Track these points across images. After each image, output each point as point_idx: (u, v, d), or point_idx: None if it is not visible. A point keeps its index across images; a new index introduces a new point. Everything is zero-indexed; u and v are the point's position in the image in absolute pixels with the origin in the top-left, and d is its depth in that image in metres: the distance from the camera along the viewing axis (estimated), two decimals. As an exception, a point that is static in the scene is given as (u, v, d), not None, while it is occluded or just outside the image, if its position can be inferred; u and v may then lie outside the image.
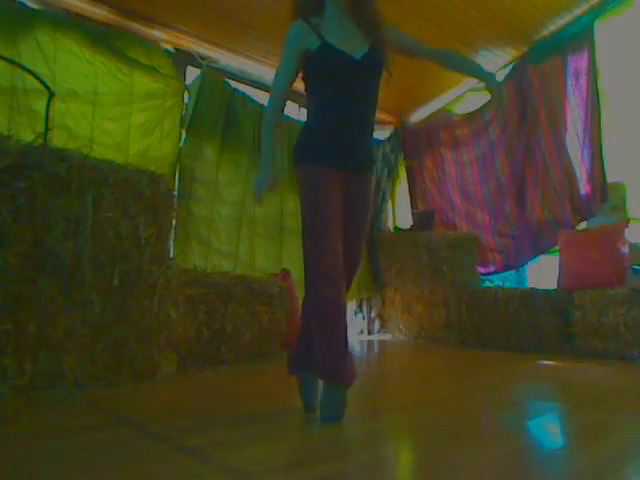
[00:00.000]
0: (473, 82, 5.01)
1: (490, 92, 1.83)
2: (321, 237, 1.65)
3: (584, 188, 4.20)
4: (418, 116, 5.51)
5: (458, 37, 4.33)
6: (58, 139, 2.64)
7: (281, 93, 1.83)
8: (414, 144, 5.51)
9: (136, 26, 3.61)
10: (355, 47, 1.75)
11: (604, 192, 4.03)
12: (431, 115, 5.37)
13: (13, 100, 2.87)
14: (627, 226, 3.66)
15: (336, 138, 1.74)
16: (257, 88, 4.52)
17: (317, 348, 1.67)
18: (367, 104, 1.80)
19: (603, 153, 4.03)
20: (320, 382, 1.75)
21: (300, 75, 1.83)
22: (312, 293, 1.69)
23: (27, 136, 2.25)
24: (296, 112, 4.82)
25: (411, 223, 5.05)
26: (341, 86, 1.74)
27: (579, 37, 4.18)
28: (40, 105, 2.74)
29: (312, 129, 1.79)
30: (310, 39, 1.75)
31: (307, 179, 1.73)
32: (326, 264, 1.64)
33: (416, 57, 2.00)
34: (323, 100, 1.77)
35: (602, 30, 4.09)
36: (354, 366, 1.70)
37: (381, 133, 5.42)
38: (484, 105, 4.90)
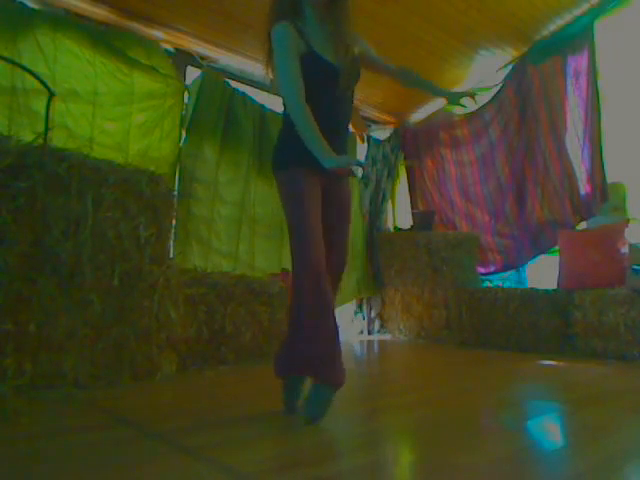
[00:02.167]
0: (473, 82, 5.01)
1: (447, 99, 1.98)
2: (307, 238, 1.66)
3: (584, 188, 4.20)
4: (418, 116, 5.51)
5: (458, 37, 4.33)
6: (58, 139, 2.64)
7: (301, 88, 1.66)
8: (414, 144, 5.51)
9: (136, 26, 3.61)
10: (332, 54, 1.74)
11: (604, 192, 4.03)
12: (431, 115, 5.38)
13: (13, 100, 2.87)
14: (627, 226, 3.66)
15: None
16: (257, 88, 4.52)
17: (308, 347, 1.66)
18: (345, 111, 1.82)
19: (603, 153, 4.03)
20: (305, 385, 1.76)
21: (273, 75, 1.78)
22: (302, 293, 1.67)
23: (27, 136, 2.24)
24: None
25: (411, 223, 5.05)
26: (324, 93, 1.72)
27: (579, 37, 4.18)
28: (40, 105, 2.74)
29: (291, 134, 1.71)
30: (300, 44, 1.70)
31: (287, 185, 1.73)
32: (313, 265, 1.64)
33: (378, 72, 2.02)
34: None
35: (602, 30, 4.09)
36: (344, 368, 1.69)
37: (381, 133, 5.42)
38: (484, 105, 4.90)
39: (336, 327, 1.68)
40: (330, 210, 1.79)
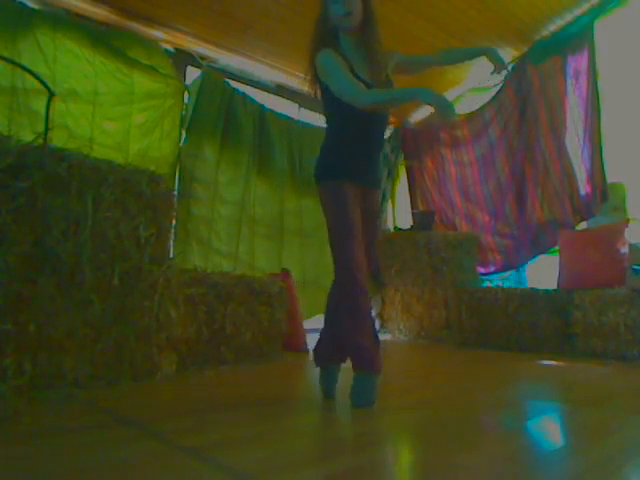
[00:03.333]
0: (473, 82, 5.01)
1: (493, 62, 2.09)
2: (349, 243, 1.85)
3: (584, 188, 4.20)
4: (418, 116, 5.51)
5: (458, 37, 4.33)
6: (58, 139, 2.64)
7: (362, 87, 1.86)
8: (414, 144, 5.51)
9: (136, 26, 3.61)
10: (368, 75, 1.93)
11: (604, 192, 4.03)
12: (431, 115, 5.38)
13: (13, 100, 2.88)
14: (627, 226, 3.66)
15: (355, 157, 1.94)
16: (257, 88, 4.52)
17: (351, 340, 1.84)
18: (382, 126, 2.03)
19: (603, 153, 4.03)
20: (341, 372, 2.00)
21: (320, 95, 1.99)
22: (342, 291, 1.89)
23: (27, 136, 2.24)
24: (297, 112, 4.82)
25: (411, 223, 5.05)
26: (362, 112, 1.87)
27: (579, 37, 4.18)
28: (40, 105, 2.74)
29: (334, 149, 1.97)
30: (344, 65, 1.88)
31: (332, 193, 1.92)
32: (355, 267, 1.83)
33: (420, 69, 2.26)
34: (345, 122, 1.95)
35: (602, 30, 4.09)
36: (382, 356, 1.88)
37: (381, 133, 5.41)
38: (484, 105, 4.90)
39: (372, 322, 1.90)
40: (364, 216, 1.98)
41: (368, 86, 1.89)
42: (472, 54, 2.26)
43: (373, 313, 1.91)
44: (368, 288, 1.87)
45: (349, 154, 1.94)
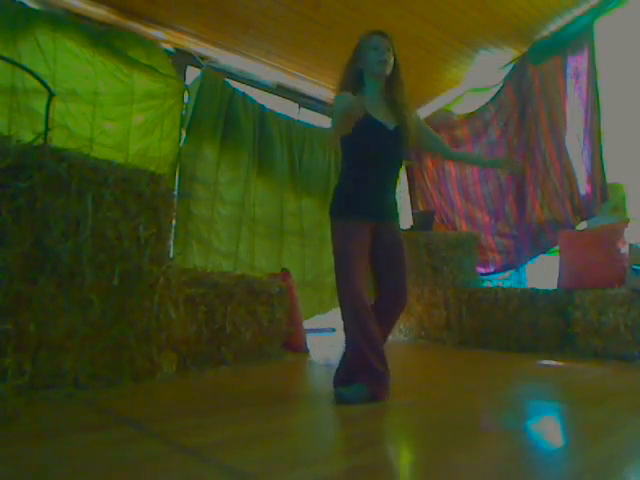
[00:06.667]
0: (473, 82, 5.01)
1: (503, 165, 2.46)
2: (348, 276, 1.98)
3: (584, 188, 4.20)
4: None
5: (458, 37, 4.33)
6: (58, 139, 2.64)
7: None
8: (414, 144, 5.50)
9: (136, 26, 3.61)
10: (388, 121, 2.08)
11: (604, 192, 4.03)
12: (431, 115, 5.37)
13: (13, 100, 2.87)
14: (627, 226, 3.66)
15: (368, 199, 2.06)
16: (257, 88, 4.52)
17: (368, 369, 1.94)
18: (397, 169, 2.16)
19: (603, 153, 4.03)
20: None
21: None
22: (354, 324, 1.97)
23: (27, 136, 2.24)
24: (296, 112, 4.82)
25: (411, 223, 5.05)
26: (377, 152, 2.05)
27: (579, 37, 4.18)
28: (40, 105, 2.74)
29: (346, 189, 2.09)
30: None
31: (340, 229, 2.04)
32: (352, 297, 1.96)
33: (433, 150, 2.46)
34: (357, 161, 2.08)
35: (602, 30, 4.09)
36: (389, 386, 1.99)
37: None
38: (484, 105, 4.90)
39: (378, 350, 1.98)
40: (379, 252, 2.09)
41: (387, 131, 2.05)
42: (485, 164, 2.69)
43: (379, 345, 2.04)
44: (369, 322, 1.97)
45: (361, 193, 2.05)
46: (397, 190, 2.20)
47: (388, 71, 2.07)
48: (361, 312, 1.95)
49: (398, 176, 2.18)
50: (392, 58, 2.07)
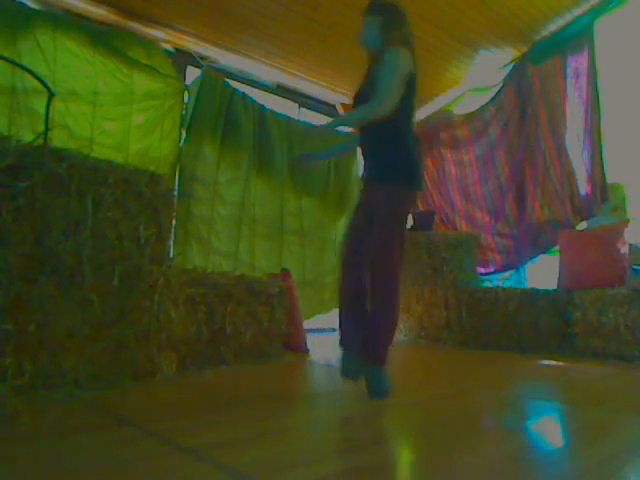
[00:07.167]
0: (473, 82, 5.01)
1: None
2: (345, 240, 2.20)
3: (584, 188, 4.20)
4: (418, 116, 5.51)
5: (458, 37, 4.33)
6: (58, 139, 2.64)
7: None
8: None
9: (136, 26, 3.61)
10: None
11: (604, 192, 4.03)
12: (431, 115, 5.38)
13: (13, 100, 2.87)
14: (627, 226, 3.66)
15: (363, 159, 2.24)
16: (257, 88, 4.52)
17: (381, 337, 2.02)
18: (372, 126, 2.14)
19: (603, 153, 4.03)
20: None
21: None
22: (398, 296, 2.03)
23: (27, 136, 2.24)
24: (297, 112, 4.82)
25: (411, 223, 5.05)
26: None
27: (579, 37, 4.18)
28: (40, 105, 2.75)
29: (412, 151, 2.11)
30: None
31: (412, 203, 2.17)
32: (342, 262, 2.16)
33: None
34: (410, 127, 2.15)
35: (602, 30, 4.09)
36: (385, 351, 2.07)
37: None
38: (484, 105, 4.90)
39: (366, 315, 2.05)
40: (360, 212, 2.16)
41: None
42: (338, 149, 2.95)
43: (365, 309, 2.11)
44: (348, 287, 2.08)
45: (420, 161, 2.23)
46: (381, 152, 2.22)
47: (363, 45, 2.19)
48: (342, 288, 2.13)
49: (378, 136, 2.16)
50: (368, 32, 2.16)
